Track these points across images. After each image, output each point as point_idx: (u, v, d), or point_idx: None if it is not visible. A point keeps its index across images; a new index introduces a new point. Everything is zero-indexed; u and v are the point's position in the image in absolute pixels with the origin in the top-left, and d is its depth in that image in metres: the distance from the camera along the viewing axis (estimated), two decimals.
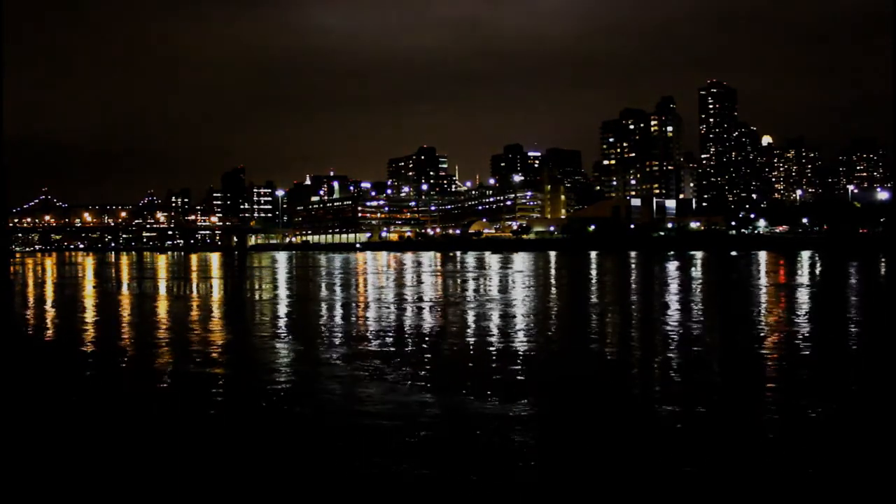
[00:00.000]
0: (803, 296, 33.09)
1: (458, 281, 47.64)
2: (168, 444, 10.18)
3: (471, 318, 25.00)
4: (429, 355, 17.13)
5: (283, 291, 43.19)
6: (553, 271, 61.54)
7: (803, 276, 47.91)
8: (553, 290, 40.13)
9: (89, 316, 29.42)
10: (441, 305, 29.85)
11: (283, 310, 31.20)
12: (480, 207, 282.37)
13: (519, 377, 14.35)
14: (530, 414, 11.46)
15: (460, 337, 20.30)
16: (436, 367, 15.52)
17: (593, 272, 60.32)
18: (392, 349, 17.97)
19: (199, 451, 9.92)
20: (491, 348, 18.07)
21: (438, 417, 11.30)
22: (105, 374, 15.88)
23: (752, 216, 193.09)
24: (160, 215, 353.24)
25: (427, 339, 19.93)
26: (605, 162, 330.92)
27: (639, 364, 16.14)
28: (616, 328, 22.90)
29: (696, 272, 56.45)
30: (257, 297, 40.08)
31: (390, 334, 20.90)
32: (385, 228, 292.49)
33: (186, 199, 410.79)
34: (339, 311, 29.02)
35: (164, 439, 10.40)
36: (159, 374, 15.74)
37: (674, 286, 40.64)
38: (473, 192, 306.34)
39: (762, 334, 20.28)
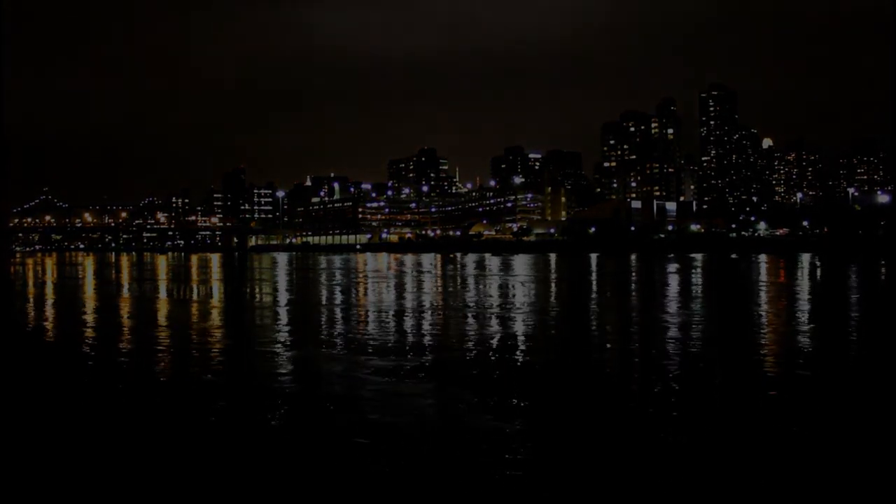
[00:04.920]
0: (803, 299, 33.08)
1: (458, 285, 47.65)
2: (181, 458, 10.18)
3: (474, 324, 25.00)
4: (444, 366, 17.10)
5: (287, 295, 43.14)
6: (553, 275, 61.51)
7: (803, 280, 47.89)
8: (554, 296, 40.14)
9: (89, 318, 29.38)
10: (443, 311, 29.86)
11: (289, 315, 31.14)
12: (481, 209, 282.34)
13: (528, 385, 14.33)
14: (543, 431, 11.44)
15: (467, 345, 20.28)
16: (446, 377, 15.48)
17: (593, 276, 60.31)
18: (403, 358, 17.92)
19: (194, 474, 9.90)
20: (494, 356, 18.07)
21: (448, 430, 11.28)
22: (102, 378, 15.84)
23: (753, 219, 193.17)
24: (160, 216, 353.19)
25: (437, 347, 19.91)
26: (606, 164, 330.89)
27: (640, 383, 16.10)
28: (616, 337, 22.90)
29: (697, 275, 56.43)
30: (261, 300, 40.04)
31: (396, 341, 20.85)
32: (385, 230, 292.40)
33: (187, 200, 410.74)
34: (344, 316, 28.98)
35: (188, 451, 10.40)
36: (177, 380, 15.69)
37: (677, 291, 40.61)
38: (474, 194, 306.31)
39: (763, 344, 20.26)
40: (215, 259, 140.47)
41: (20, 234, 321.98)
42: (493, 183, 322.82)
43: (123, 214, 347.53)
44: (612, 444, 10.37)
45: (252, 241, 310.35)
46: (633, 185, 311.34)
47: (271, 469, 9.29)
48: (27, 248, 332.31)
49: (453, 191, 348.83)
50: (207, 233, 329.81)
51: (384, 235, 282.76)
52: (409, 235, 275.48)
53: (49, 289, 50.76)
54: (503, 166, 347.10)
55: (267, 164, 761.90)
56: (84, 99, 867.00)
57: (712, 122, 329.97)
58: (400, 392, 13.54)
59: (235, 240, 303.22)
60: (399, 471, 9.20)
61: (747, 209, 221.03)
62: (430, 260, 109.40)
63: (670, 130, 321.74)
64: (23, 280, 64.50)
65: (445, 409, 12.41)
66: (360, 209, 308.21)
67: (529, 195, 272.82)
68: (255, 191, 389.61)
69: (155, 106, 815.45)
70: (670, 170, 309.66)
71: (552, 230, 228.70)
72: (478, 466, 9.30)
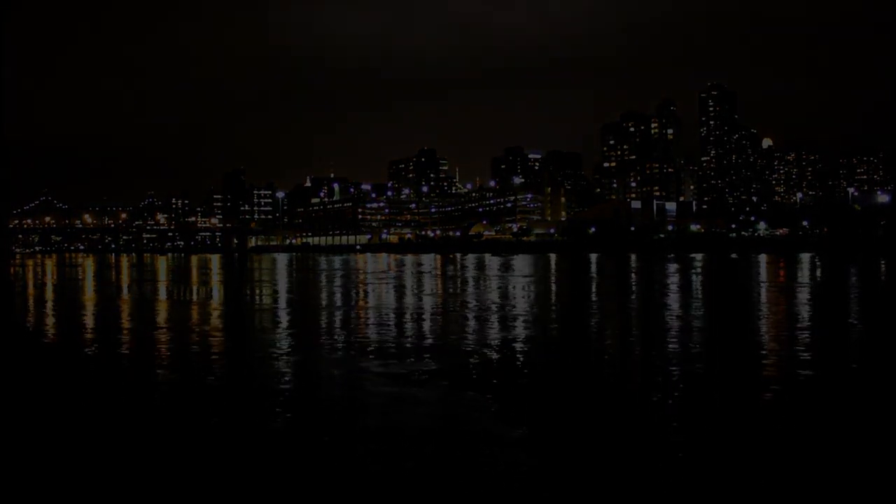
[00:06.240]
0: (802, 299, 33.06)
1: (459, 286, 47.66)
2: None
3: (475, 326, 25.01)
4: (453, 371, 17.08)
5: (287, 296, 43.13)
6: (553, 275, 61.50)
7: (803, 280, 47.85)
8: (555, 297, 40.15)
9: (89, 319, 29.35)
10: (444, 313, 29.86)
11: (289, 317, 31.13)
12: (481, 209, 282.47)
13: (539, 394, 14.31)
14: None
15: (468, 347, 20.27)
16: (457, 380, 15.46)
17: (593, 277, 60.30)
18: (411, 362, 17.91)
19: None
20: (495, 358, 18.06)
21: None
22: (102, 379, 15.83)
23: (753, 219, 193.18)
24: (160, 216, 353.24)
25: (438, 349, 19.90)
26: (606, 164, 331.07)
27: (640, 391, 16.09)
28: (617, 338, 22.90)
29: (697, 276, 56.43)
30: (261, 302, 40.03)
31: (397, 343, 20.84)
32: (385, 230, 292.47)
33: (186, 201, 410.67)
34: (345, 318, 28.98)
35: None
36: (191, 385, 15.68)
37: (677, 291, 40.60)
38: (474, 195, 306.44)
39: (763, 343, 20.25)
40: (215, 260, 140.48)
41: (20, 236, 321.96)
42: (493, 183, 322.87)
43: (123, 215, 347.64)
44: (613, 446, 10.37)
45: (252, 242, 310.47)
46: (633, 185, 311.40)
47: (271, 468, 9.29)
48: (27, 250, 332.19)
49: (453, 191, 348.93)
50: (207, 234, 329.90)
51: (384, 236, 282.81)
52: (408, 236, 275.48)
53: (49, 290, 50.75)
54: (503, 166, 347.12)
55: (267, 165, 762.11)
56: (84, 99, 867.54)
57: (712, 122, 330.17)
58: (401, 394, 13.53)
59: (235, 241, 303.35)
60: (399, 471, 9.20)
61: (747, 209, 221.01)
62: (429, 260, 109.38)
63: (670, 130, 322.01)
64: (23, 281, 64.47)
65: (447, 411, 12.40)
66: (359, 210, 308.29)
67: (529, 195, 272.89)
68: (255, 191, 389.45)
69: (155, 106, 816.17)
70: (670, 170, 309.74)
71: (552, 230, 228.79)
72: (478, 467, 9.30)
